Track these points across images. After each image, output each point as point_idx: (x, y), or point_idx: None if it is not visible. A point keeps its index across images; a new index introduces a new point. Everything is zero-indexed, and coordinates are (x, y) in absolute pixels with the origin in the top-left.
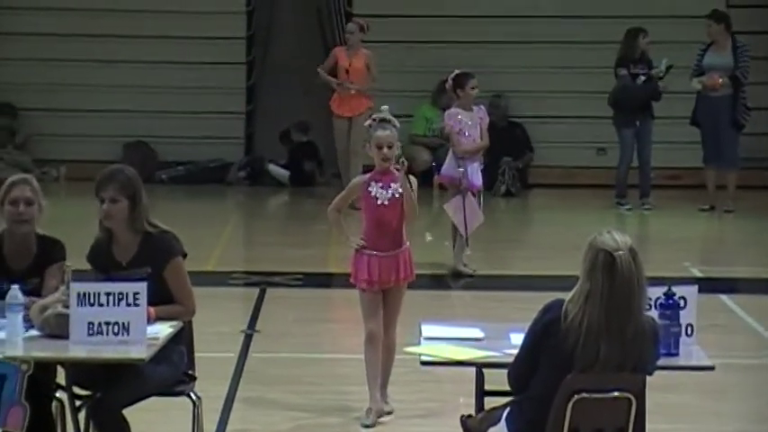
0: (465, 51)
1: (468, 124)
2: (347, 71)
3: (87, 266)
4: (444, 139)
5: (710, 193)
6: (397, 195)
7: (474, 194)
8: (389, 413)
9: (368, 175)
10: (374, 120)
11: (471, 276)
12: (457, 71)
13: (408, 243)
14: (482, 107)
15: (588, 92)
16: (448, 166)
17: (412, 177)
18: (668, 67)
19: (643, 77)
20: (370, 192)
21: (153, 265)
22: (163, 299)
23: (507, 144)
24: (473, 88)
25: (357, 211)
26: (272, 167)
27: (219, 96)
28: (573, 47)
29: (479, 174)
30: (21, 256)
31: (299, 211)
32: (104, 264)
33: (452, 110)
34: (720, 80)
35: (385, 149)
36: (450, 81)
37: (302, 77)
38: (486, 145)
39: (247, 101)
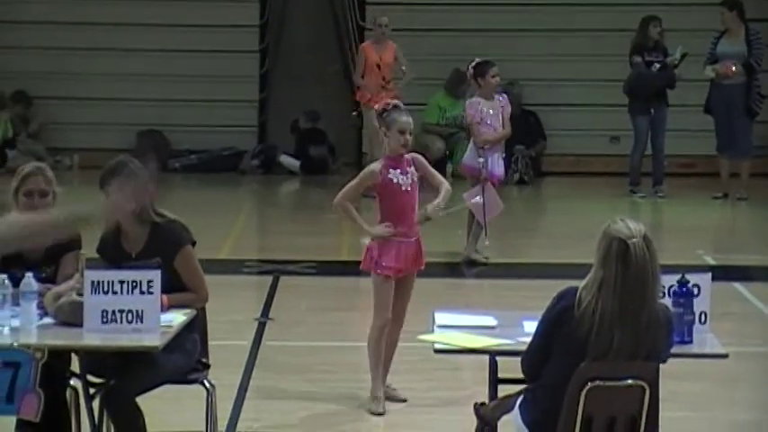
0: (478, 39)
1: (490, 113)
2: (378, 66)
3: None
4: (460, 127)
5: (724, 180)
6: (414, 179)
7: (494, 185)
8: (403, 401)
9: (381, 163)
10: (388, 105)
11: (484, 264)
12: (477, 60)
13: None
14: (504, 96)
15: (601, 80)
16: (468, 157)
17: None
18: (683, 55)
19: (658, 65)
20: (392, 179)
21: (163, 256)
22: (175, 288)
23: (520, 132)
24: (494, 77)
25: (365, 199)
26: (284, 158)
27: (233, 84)
28: (586, 35)
29: (501, 164)
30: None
31: (312, 199)
32: (114, 256)
33: (474, 99)
34: (734, 68)
35: (407, 135)
36: (470, 70)
37: (315, 66)
38: (508, 134)
39: (260, 89)
